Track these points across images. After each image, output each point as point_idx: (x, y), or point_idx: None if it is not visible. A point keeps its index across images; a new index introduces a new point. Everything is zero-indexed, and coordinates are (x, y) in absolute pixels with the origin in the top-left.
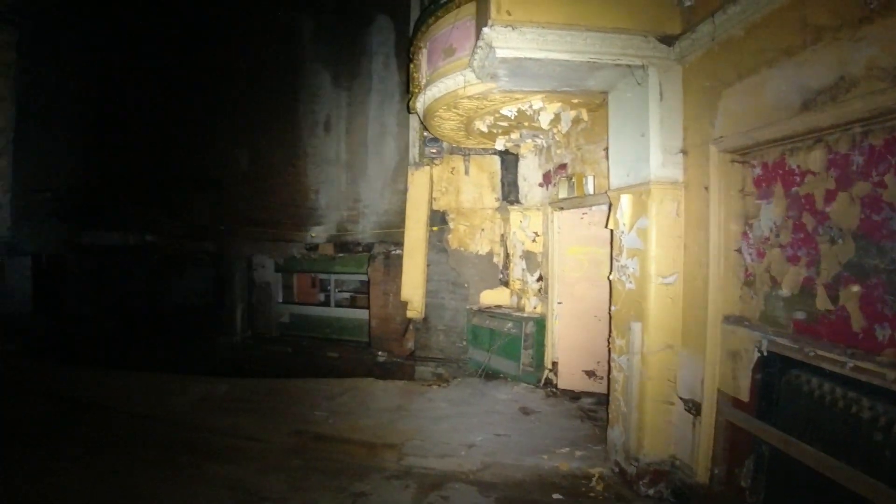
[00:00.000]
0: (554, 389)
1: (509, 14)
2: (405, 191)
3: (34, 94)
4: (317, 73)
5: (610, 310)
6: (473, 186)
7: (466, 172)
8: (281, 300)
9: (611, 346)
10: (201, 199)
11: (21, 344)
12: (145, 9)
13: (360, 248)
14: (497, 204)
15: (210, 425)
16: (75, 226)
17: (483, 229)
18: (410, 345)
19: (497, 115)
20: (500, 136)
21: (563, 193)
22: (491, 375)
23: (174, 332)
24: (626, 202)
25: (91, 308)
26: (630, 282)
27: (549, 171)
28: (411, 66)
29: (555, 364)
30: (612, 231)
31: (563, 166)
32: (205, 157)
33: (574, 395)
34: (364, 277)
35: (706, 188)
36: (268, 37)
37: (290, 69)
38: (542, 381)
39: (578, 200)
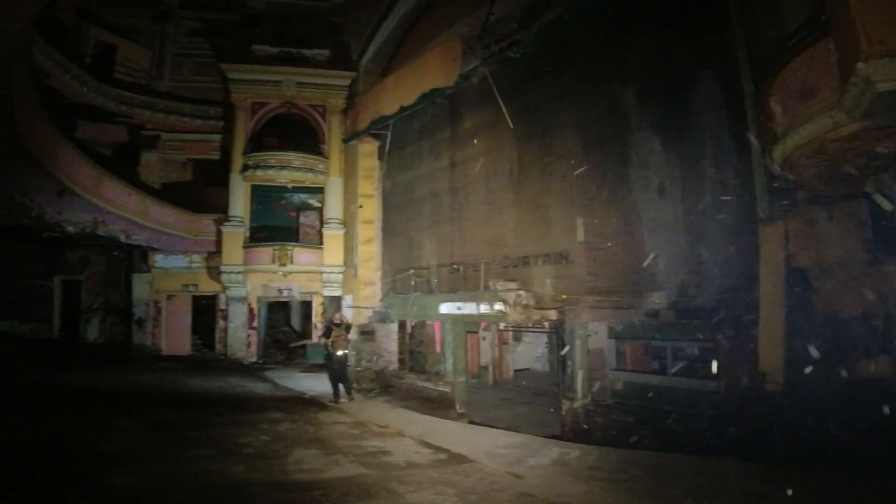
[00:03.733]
0: None
1: (882, 43)
2: (752, 249)
3: (394, 192)
4: (645, 139)
5: None
6: (837, 238)
7: (829, 221)
8: (614, 367)
9: None
10: (544, 270)
11: None
12: (472, 113)
13: (703, 314)
14: (870, 256)
15: (567, 491)
16: (435, 298)
17: (855, 288)
18: (769, 422)
19: (870, 155)
20: (869, 178)
21: None
22: (872, 461)
23: (517, 394)
24: None
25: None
26: None
27: None
28: (760, 116)
29: None
30: None
31: None
32: (546, 230)
33: None
34: (704, 344)
35: None
36: (593, 112)
37: (618, 138)
38: None
39: None
